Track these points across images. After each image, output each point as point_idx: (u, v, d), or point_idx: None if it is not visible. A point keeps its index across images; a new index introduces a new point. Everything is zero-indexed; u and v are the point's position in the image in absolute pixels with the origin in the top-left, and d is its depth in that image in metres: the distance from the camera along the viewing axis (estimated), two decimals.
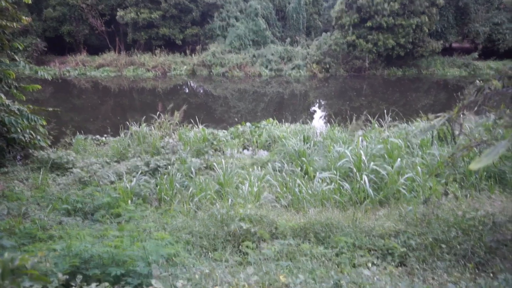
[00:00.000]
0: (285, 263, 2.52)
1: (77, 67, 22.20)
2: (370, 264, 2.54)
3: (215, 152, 7.33)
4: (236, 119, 12.21)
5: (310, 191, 4.54)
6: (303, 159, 5.77)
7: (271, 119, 9.68)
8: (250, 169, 5.68)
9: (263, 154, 7.42)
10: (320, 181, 4.79)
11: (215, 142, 7.92)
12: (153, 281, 1.90)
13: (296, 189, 4.63)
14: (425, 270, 2.44)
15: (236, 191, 4.80)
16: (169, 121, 8.00)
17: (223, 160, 5.71)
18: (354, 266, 2.58)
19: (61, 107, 10.22)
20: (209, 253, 2.96)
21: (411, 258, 2.63)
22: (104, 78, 20.89)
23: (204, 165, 6.25)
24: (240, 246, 3.06)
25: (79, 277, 1.95)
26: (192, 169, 5.57)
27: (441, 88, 18.29)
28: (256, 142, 8.14)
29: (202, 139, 7.72)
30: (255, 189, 4.67)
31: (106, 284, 1.91)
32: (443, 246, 2.66)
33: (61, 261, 2.14)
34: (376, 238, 2.99)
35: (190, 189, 4.79)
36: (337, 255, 2.77)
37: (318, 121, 11.98)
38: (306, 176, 5.30)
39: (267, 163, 6.30)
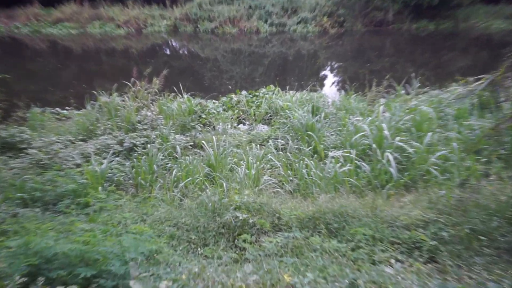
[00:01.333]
0: (290, 260, 2.53)
1: (28, 23, 21.54)
2: (393, 261, 2.55)
3: (203, 127, 7.34)
4: (229, 86, 12.07)
5: (320, 174, 4.55)
6: (312, 134, 5.77)
7: (272, 86, 9.58)
8: (247, 148, 5.69)
9: (263, 129, 7.44)
10: (332, 161, 4.79)
11: (203, 115, 7.89)
12: (131, 283, 1.90)
13: (304, 171, 4.64)
14: (460, 267, 2.46)
15: (230, 175, 4.81)
16: (146, 89, 7.89)
17: (214, 137, 5.70)
18: (373, 263, 2.59)
19: (11, 73, 10.00)
20: (199, 249, 2.99)
21: (443, 253, 2.63)
22: (64, 37, 20.38)
23: (191, 143, 6.26)
24: (236, 240, 3.08)
25: (40, 280, 1.94)
26: (177, 148, 5.55)
27: (483, 45, 17.96)
28: (254, 114, 8.12)
29: (188, 111, 7.69)
30: (253, 171, 4.68)
31: (74, 287, 1.90)
32: (483, 238, 2.66)
33: (17, 260, 2.13)
34: (401, 229, 3.00)
35: (174, 172, 4.81)
36: (353, 250, 2.79)
37: (330, 88, 11.86)
38: (316, 155, 5.32)
39: (267, 140, 6.32)
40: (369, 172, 4.54)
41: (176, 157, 5.46)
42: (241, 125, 8.01)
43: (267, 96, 8.69)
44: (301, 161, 4.88)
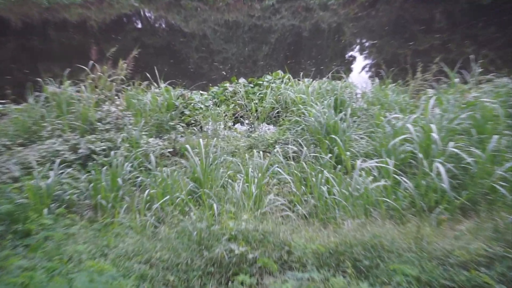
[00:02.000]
0: None
1: None
2: None
3: (187, 127, 7.38)
4: (223, 72, 12.13)
5: (345, 191, 4.55)
6: (335, 138, 5.77)
7: (280, 73, 9.62)
8: (246, 156, 5.71)
9: (268, 130, 7.48)
10: (362, 174, 4.78)
11: (187, 112, 7.93)
12: None
13: (323, 188, 4.65)
14: None
15: (223, 192, 4.82)
16: (110, 76, 7.91)
17: (201, 141, 5.67)
18: None
19: None
20: None
21: None
22: None
23: (170, 150, 6.29)
24: (230, 283, 3.05)
25: None
26: (151, 156, 5.55)
27: None
28: (256, 110, 8.15)
29: (166, 106, 7.75)
30: (255, 188, 4.68)
31: None
32: None
33: None
34: (456, 268, 2.96)
35: (147, 190, 4.81)
36: None
37: (359, 74, 11.89)
38: (340, 166, 5.32)
39: (274, 145, 6.35)
40: (412, 190, 4.51)
41: (150, 169, 5.46)
42: (238, 125, 8.09)
43: (273, 85, 8.74)
44: (320, 174, 4.88)
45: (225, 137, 7.06)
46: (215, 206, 4.33)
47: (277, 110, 8.05)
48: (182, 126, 7.26)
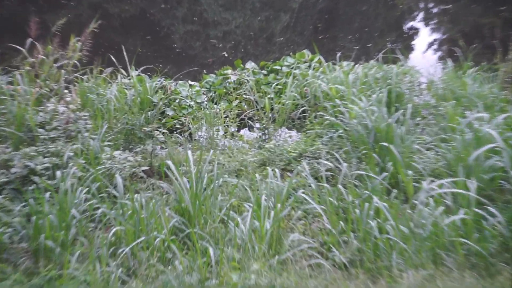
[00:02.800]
0: None
1: None
2: None
3: (170, 134, 7.33)
4: (223, 54, 12.12)
5: (405, 229, 4.50)
6: (389, 149, 5.71)
7: (307, 53, 9.59)
8: (257, 176, 5.65)
9: (289, 138, 7.43)
10: (430, 202, 4.72)
11: (170, 112, 7.97)
12: None
13: (371, 223, 4.59)
14: None
15: (224, 231, 4.78)
16: (56, 61, 7.91)
17: (190, 154, 5.63)
18: None
19: None
20: None
21: None
22: None
23: (145, 168, 6.24)
24: None
25: None
26: (117, 177, 5.48)
27: None
28: (272, 109, 8.13)
29: (139, 104, 7.73)
30: (269, 224, 4.66)
31: None
32: None
33: None
34: None
35: (112, 227, 4.77)
36: None
37: (424, 55, 11.81)
38: (396, 190, 5.26)
39: (298, 159, 6.29)
40: (504, 227, 4.43)
41: (115, 196, 5.40)
42: (245, 131, 8.14)
43: (297, 72, 8.68)
44: (367, 203, 4.80)
45: (226, 148, 7.03)
46: (211, 251, 4.27)
47: (302, 109, 7.99)
48: (163, 133, 7.08)
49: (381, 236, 4.49)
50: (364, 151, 6.10)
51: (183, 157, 6.14)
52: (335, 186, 5.37)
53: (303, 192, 5.31)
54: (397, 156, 5.59)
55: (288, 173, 6.13)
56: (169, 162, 5.44)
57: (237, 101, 8.39)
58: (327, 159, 6.11)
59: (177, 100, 8.21)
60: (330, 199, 5.12)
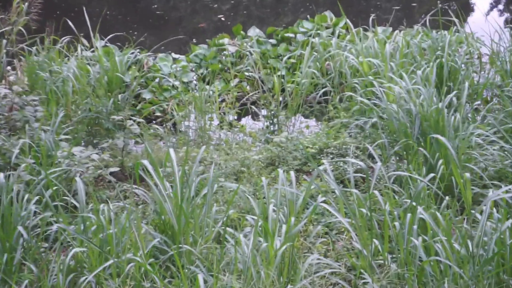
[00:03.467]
0: None
1: None
2: None
3: (147, 125, 6.96)
4: (219, 18, 11.69)
5: (459, 248, 4.03)
6: (439, 140, 5.18)
7: (329, 16, 9.29)
8: (264, 180, 5.13)
9: (305, 128, 7.01)
10: (494, 214, 4.24)
11: (148, 95, 7.73)
12: None
13: (415, 241, 4.09)
14: None
15: (219, 252, 4.38)
16: None
17: (172, 152, 5.15)
18: None
19: None
20: None
21: None
22: None
23: (114, 169, 5.85)
24: None
25: None
26: (77, 181, 4.96)
27: None
28: (283, 90, 7.66)
29: (107, 84, 7.32)
30: (280, 242, 4.20)
31: None
32: None
33: None
34: None
35: (71, 249, 4.33)
36: None
37: (487, 18, 11.20)
38: (448, 197, 4.73)
39: (317, 157, 5.82)
40: None
41: (75, 207, 4.94)
42: (246, 119, 7.99)
43: (315, 41, 8.22)
44: (408, 215, 4.32)
45: (223, 143, 6.61)
46: (200, 278, 3.74)
47: (323, 90, 7.43)
48: (138, 123, 6.64)
49: (429, 258, 3.99)
50: (406, 145, 5.63)
51: (164, 154, 5.65)
52: (367, 192, 4.83)
53: (325, 201, 4.77)
54: (450, 152, 5.01)
55: (305, 176, 5.66)
56: (146, 162, 4.98)
57: (237, 80, 8.00)
58: (356, 157, 5.62)
59: (157, 80, 7.76)
60: (361, 209, 4.58)
